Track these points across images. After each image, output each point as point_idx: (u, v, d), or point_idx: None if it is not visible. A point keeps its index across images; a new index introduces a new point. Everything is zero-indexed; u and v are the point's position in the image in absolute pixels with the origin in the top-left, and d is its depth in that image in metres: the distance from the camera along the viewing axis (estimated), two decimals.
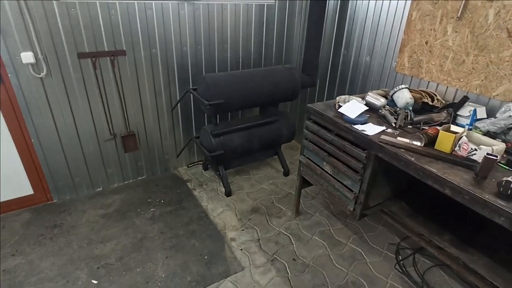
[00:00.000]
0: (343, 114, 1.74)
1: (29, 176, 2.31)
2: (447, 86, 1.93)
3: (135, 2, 2.17)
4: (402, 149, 1.42)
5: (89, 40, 2.11)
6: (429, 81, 2.03)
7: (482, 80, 1.74)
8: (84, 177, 2.51)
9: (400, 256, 2.05)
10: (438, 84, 1.98)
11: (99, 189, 2.62)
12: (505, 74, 1.63)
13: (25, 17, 1.86)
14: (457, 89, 1.88)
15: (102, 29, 2.12)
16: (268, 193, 2.69)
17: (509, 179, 1.10)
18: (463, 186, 1.18)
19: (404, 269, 1.96)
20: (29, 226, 2.20)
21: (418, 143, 1.44)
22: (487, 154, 1.16)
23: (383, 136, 1.51)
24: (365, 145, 1.59)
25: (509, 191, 1.09)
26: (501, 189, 1.11)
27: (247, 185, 2.78)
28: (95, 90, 2.27)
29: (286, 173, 2.94)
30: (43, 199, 2.43)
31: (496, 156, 1.15)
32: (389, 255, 2.07)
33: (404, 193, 1.91)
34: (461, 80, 1.84)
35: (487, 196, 1.12)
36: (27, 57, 1.94)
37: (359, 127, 1.64)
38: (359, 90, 2.58)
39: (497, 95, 1.68)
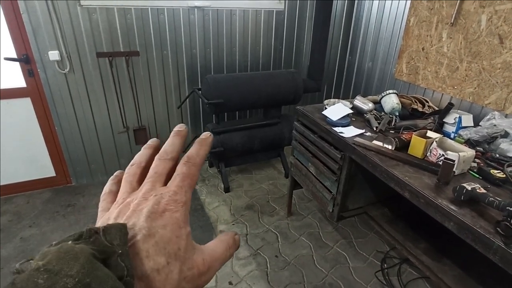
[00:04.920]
0: (326, 116, 1.78)
1: (52, 160, 2.61)
2: (442, 94, 1.88)
3: (149, 8, 2.39)
4: (372, 152, 1.44)
5: (107, 41, 2.36)
6: (425, 88, 1.99)
7: (475, 88, 1.68)
8: (99, 165, 2.78)
9: (385, 264, 2.01)
10: (433, 91, 1.93)
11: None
12: (497, 82, 1.57)
13: (53, 20, 2.15)
14: (451, 97, 1.83)
15: (119, 31, 2.37)
16: (266, 192, 2.76)
17: (464, 184, 1.09)
18: (419, 189, 1.18)
19: (387, 277, 1.92)
20: (48, 203, 2.50)
21: (389, 147, 1.45)
22: (445, 158, 1.15)
23: (356, 138, 1.53)
24: (341, 147, 1.62)
25: (463, 196, 1.08)
26: (455, 194, 1.10)
27: (247, 184, 2.88)
28: (111, 86, 2.53)
29: (287, 175, 2.98)
30: (63, 182, 2.73)
31: (453, 161, 1.13)
32: (374, 262, 2.04)
33: (390, 199, 1.88)
34: (455, 87, 1.79)
35: (439, 201, 1.11)
36: (53, 55, 2.23)
37: (338, 129, 1.68)
38: (362, 95, 2.56)
39: (489, 103, 1.62)
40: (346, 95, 2.77)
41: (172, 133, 0.30)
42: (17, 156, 2.47)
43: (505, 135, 1.43)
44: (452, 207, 1.08)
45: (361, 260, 2.05)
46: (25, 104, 2.35)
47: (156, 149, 0.31)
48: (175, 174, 0.26)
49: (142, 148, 0.31)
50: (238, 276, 1.89)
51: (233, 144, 2.63)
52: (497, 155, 1.37)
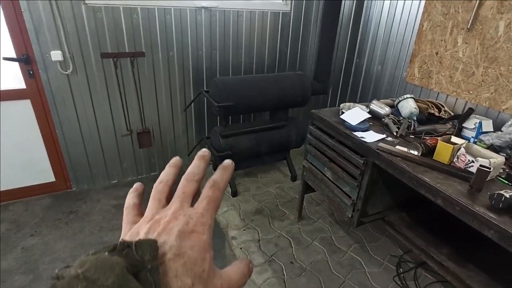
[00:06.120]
0: (344, 120, 1.76)
1: (52, 164, 2.50)
2: (457, 98, 1.90)
3: (156, 7, 2.32)
4: (398, 157, 1.43)
5: (112, 42, 2.27)
6: (438, 92, 2.00)
7: (492, 93, 1.70)
8: (101, 169, 2.68)
9: (401, 269, 2.01)
10: (447, 95, 1.95)
11: (114, 182, 2.78)
12: None
13: (56, 19, 2.05)
14: (466, 101, 1.85)
15: (124, 31, 2.29)
16: (274, 196, 2.73)
17: (501, 192, 1.09)
18: (454, 197, 1.17)
19: (404, 282, 1.92)
20: (48, 210, 2.38)
21: (415, 152, 1.44)
22: (480, 165, 1.15)
23: (380, 144, 1.52)
24: (363, 152, 1.60)
25: (501, 204, 1.07)
26: (493, 201, 1.10)
27: (253, 187, 2.83)
28: (115, 88, 2.43)
29: (294, 178, 2.96)
30: (63, 187, 2.61)
31: (489, 168, 1.13)
32: (389, 267, 2.03)
33: (407, 204, 1.88)
34: (471, 92, 1.80)
35: (477, 208, 1.10)
36: (56, 55, 2.13)
37: (358, 134, 1.66)
38: (370, 99, 2.57)
39: (507, 108, 1.64)
40: (353, 98, 2.77)
41: (197, 157, 0.31)
42: (14, 161, 2.35)
43: None
44: (491, 215, 1.07)
45: (376, 264, 2.04)
46: (25, 107, 2.23)
47: (179, 168, 0.32)
48: (201, 196, 0.28)
49: (167, 167, 0.32)
50: (255, 284, 1.85)
51: (241, 147, 2.58)
52: None
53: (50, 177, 2.54)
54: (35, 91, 2.22)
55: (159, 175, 0.31)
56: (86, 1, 2.09)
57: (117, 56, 2.33)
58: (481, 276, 1.40)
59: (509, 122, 1.49)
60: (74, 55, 2.20)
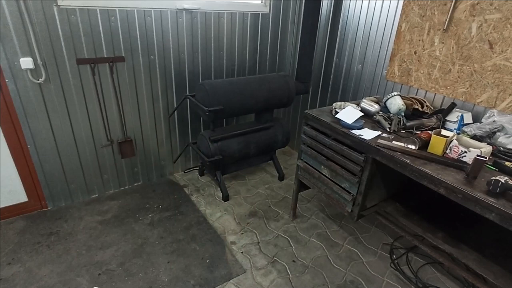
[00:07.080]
0: (340, 119, 1.83)
1: (23, 183, 2.26)
2: (435, 93, 2.06)
3: (135, 9, 2.20)
4: (398, 152, 1.52)
5: (89, 46, 2.12)
6: (418, 89, 2.15)
7: (467, 88, 1.87)
8: (80, 184, 2.48)
9: (394, 255, 2.14)
10: (426, 91, 2.11)
11: (94, 196, 2.59)
12: (488, 83, 1.77)
13: (25, 23, 1.86)
14: (444, 96, 2.01)
15: (102, 35, 2.14)
16: (265, 197, 2.74)
17: (497, 178, 1.21)
18: (456, 185, 1.28)
19: (398, 267, 2.05)
20: (24, 234, 2.16)
21: (413, 147, 1.54)
22: (477, 155, 1.27)
23: (380, 140, 1.60)
24: (362, 149, 1.68)
25: (498, 189, 1.19)
26: (491, 187, 1.21)
27: (243, 190, 2.82)
28: (93, 96, 2.27)
29: (281, 178, 3.00)
30: (37, 207, 2.38)
31: (485, 158, 1.25)
32: (383, 255, 2.15)
33: (398, 195, 2.01)
34: (448, 87, 1.97)
35: (478, 194, 1.22)
36: (26, 62, 1.93)
37: (356, 132, 1.73)
38: (351, 97, 2.69)
39: (481, 101, 1.82)
40: (333, 97, 2.87)
41: None
42: None
43: (502, 129, 1.62)
44: (491, 199, 1.19)
45: (371, 254, 2.15)
46: None
47: None
48: None
49: None
50: (262, 287, 1.85)
51: (231, 151, 2.56)
52: (501, 148, 1.54)
53: (22, 197, 2.30)
54: (2, 104, 1.99)
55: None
56: (59, 3, 1.93)
57: (94, 61, 2.17)
58: (474, 255, 1.55)
59: (487, 114, 1.66)
60: (46, 62, 2.01)
